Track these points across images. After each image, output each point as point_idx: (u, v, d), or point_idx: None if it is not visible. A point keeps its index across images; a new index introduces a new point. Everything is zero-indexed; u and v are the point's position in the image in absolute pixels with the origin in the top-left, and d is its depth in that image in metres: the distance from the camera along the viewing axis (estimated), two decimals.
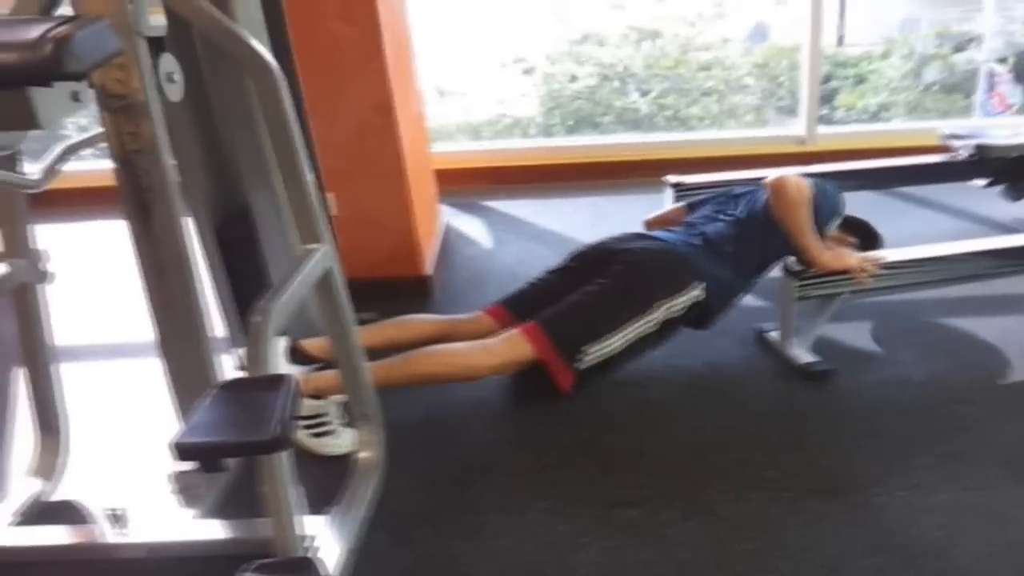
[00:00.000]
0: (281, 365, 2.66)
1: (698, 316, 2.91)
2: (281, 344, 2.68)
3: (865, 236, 3.23)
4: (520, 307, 2.93)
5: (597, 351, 2.71)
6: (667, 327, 2.83)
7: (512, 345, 2.68)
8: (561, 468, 2.50)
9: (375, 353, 2.59)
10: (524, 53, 6.26)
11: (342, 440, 2.58)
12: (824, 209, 3.03)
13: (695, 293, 2.82)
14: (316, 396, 2.55)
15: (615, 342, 2.73)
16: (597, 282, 2.81)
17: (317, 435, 2.55)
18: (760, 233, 3.01)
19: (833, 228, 3.13)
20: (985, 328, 3.19)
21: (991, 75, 6.48)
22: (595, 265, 2.92)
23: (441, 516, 2.31)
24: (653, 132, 6.16)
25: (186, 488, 2.24)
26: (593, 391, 2.85)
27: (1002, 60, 6.49)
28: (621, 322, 2.73)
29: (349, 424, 2.57)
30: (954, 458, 2.45)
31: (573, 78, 6.31)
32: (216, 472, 2.27)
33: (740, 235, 3.01)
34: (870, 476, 2.39)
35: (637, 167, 5.18)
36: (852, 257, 2.94)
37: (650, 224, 3.48)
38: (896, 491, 2.33)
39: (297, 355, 2.68)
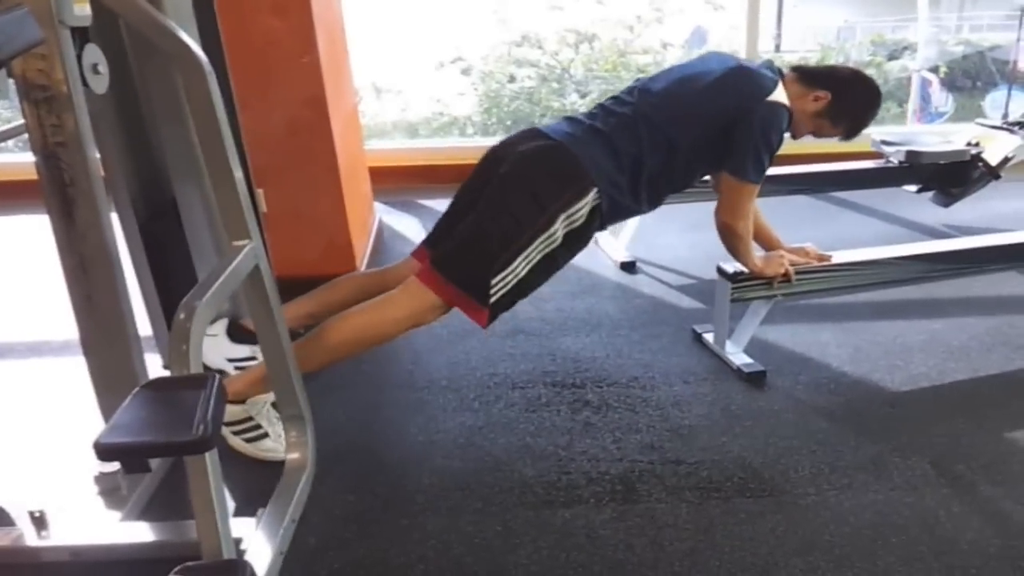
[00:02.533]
0: (224, 345, 2.61)
1: (601, 218, 2.61)
2: (221, 325, 2.63)
3: (839, 83, 2.87)
4: (437, 239, 2.73)
5: (504, 281, 2.44)
6: (573, 238, 2.56)
7: (412, 294, 2.47)
8: (493, 470, 2.48)
9: (313, 322, 2.57)
10: (462, 52, 6.24)
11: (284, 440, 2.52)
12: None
13: (592, 196, 2.51)
14: (237, 400, 2.44)
15: (520, 267, 2.45)
16: (485, 201, 2.53)
17: (250, 440, 2.49)
18: (675, 165, 2.69)
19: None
20: (914, 331, 3.24)
21: (924, 83, 6.61)
22: (490, 175, 2.62)
23: (371, 518, 2.28)
24: None
25: (109, 490, 2.19)
26: (530, 394, 2.84)
27: (934, 69, 6.63)
28: (520, 246, 2.44)
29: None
30: (883, 459, 2.48)
31: (511, 78, 6.31)
32: (140, 473, 2.22)
33: (653, 153, 2.63)
34: (802, 476, 2.41)
35: None
36: (782, 261, 2.91)
37: None
38: (827, 491, 2.35)
39: (238, 333, 2.62)
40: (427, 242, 2.77)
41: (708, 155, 2.74)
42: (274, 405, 2.52)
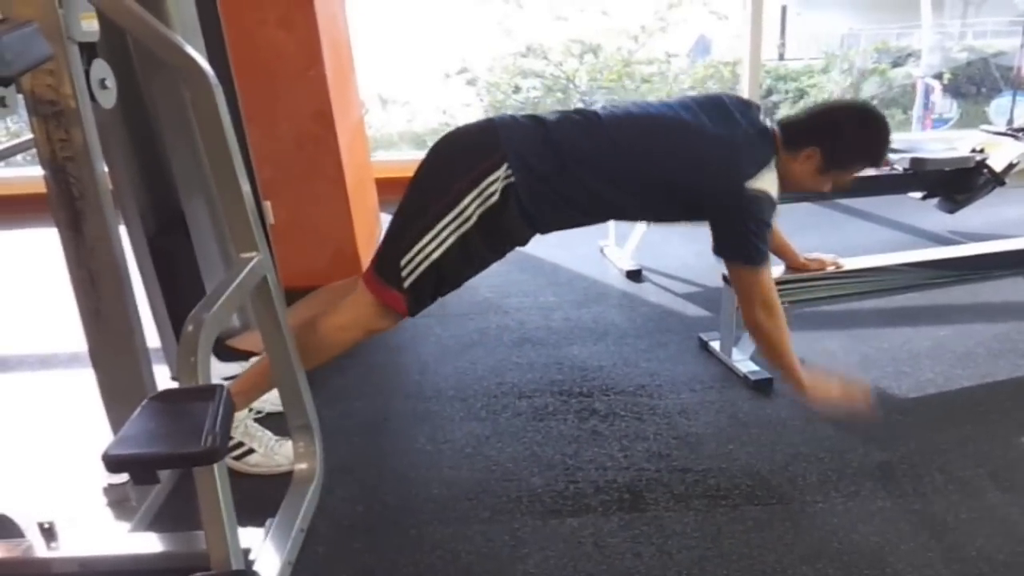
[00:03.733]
0: (217, 367, 2.61)
1: (520, 204, 2.33)
2: None
3: (824, 130, 2.51)
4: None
5: (413, 262, 2.30)
6: (490, 221, 2.30)
7: (354, 297, 2.40)
8: (501, 479, 2.49)
9: None
10: (468, 63, 6.26)
11: (274, 455, 2.54)
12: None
13: (502, 171, 2.28)
14: None
15: (429, 247, 2.29)
16: (411, 185, 2.41)
17: (236, 457, 2.50)
18: (654, 199, 2.46)
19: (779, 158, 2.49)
20: (921, 338, 3.24)
21: (928, 90, 6.61)
22: None
23: (379, 528, 2.29)
24: None
25: (118, 501, 2.20)
26: (537, 403, 2.85)
27: (938, 75, 6.63)
28: (427, 223, 2.28)
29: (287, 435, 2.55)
30: (891, 466, 2.48)
31: (516, 89, 6.33)
32: (149, 484, 2.23)
33: (595, 170, 2.38)
34: (809, 484, 2.41)
35: None
36: (837, 385, 2.51)
37: None
38: (835, 498, 2.35)
39: (225, 352, 2.60)
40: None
41: (657, 207, 2.54)
42: (262, 419, 2.60)
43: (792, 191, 2.57)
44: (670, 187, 2.41)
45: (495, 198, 2.28)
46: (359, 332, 2.42)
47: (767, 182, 2.39)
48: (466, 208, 2.27)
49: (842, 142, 2.49)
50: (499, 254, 2.45)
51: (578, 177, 2.35)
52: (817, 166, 2.50)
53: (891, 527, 2.23)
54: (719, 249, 2.47)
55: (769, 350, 2.54)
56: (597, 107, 2.51)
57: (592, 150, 2.36)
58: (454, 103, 6.27)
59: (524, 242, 2.45)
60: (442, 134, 2.49)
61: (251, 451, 2.51)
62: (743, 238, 2.40)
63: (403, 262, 2.30)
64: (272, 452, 2.53)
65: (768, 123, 2.53)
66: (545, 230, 2.46)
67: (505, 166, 2.27)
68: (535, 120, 2.40)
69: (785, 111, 6.55)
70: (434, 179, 2.36)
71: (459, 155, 2.36)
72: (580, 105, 6.27)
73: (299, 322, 2.57)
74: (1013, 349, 3.14)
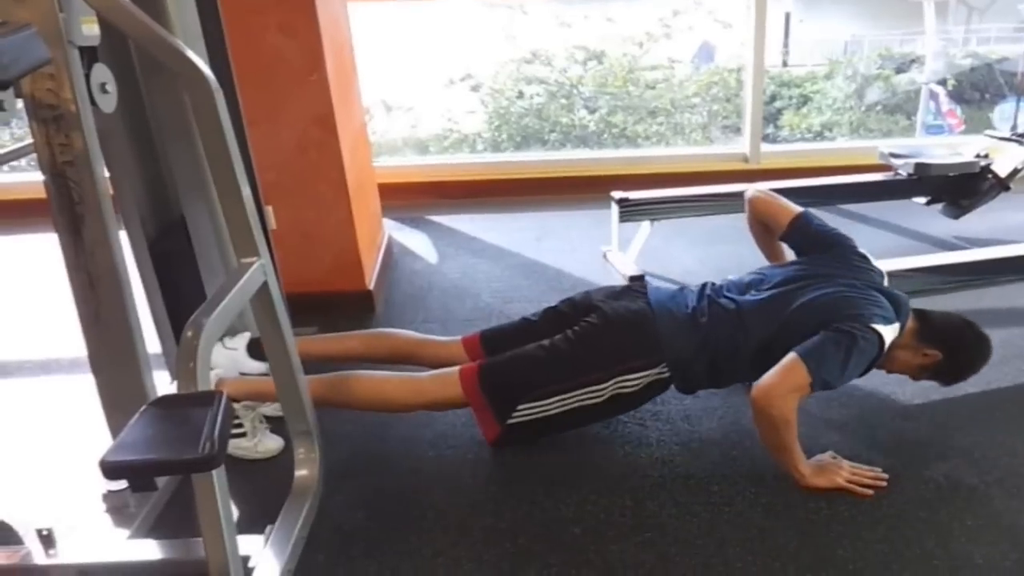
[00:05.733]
0: (241, 359, 2.64)
1: (661, 393, 2.59)
2: (242, 340, 2.66)
3: (954, 346, 2.60)
4: (495, 343, 2.72)
5: (530, 411, 2.48)
6: (616, 402, 2.51)
7: (443, 385, 2.52)
8: (503, 487, 2.48)
9: (347, 360, 2.66)
10: (472, 70, 6.26)
11: (258, 445, 2.59)
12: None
13: (656, 371, 2.50)
14: (232, 399, 2.45)
15: (552, 406, 2.47)
16: (556, 337, 2.56)
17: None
18: (752, 355, 2.52)
19: (901, 336, 2.54)
20: None
21: (932, 96, 6.61)
22: (575, 316, 2.65)
23: (380, 536, 2.27)
24: (600, 149, 6.19)
25: (117, 507, 2.19)
26: None
27: (942, 82, 6.62)
28: (564, 388, 2.47)
29: (274, 431, 2.62)
30: (896, 472, 2.46)
31: (520, 95, 6.33)
32: (147, 491, 2.22)
33: (738, 349, 2.53)
34: (817, 491, 2.39)
35: (584, 183, 5.22)
36: (840, 471, 2.43)
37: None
38: (840, 506, 2.33)
39: (258, 350, 2.63)
40: (484, 340, 2.77)
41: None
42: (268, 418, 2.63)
43: (887, 368, 2.63)
44: (798, 327, 2.46)
45: (636, 388, 2.51)
46: (423, 408, 2.61)
47: (888, 335, 2.44)
48: (604, 389, 2.49)
49: (959, 361, 2.61)
50: (609, 419, 2.70)
51: (726, 367, 2.57)
52: (932, 365, 2.59)
53: (897, 534, 2.22)
54: (803, 349, 2.35)
55: (774, 434, 2.38)
56: (733, 286, 2.70)
57: (745, 345, 2.52)
58: (458, 109, 6.27)
59: None
60: (600, 293, 2.73)
61: (243, 435, 2.57)
62: (833, 357, 2.34)
63: (521, 406, 2.49)
64: (257, 444, 2.60)
65: (904, 299, 2.61)
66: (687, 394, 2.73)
67: (662, 367, 2.50)
68: (692, 321, 2.56)
69: (789, 117, 6.54)
70: (587, 353, 2.51)
71: (619, 344, 2.53)
72: (590, 110, 6.30)
73: (355, 354, 2.77)
74: (1018, 355, 3.12)
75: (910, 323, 2.57)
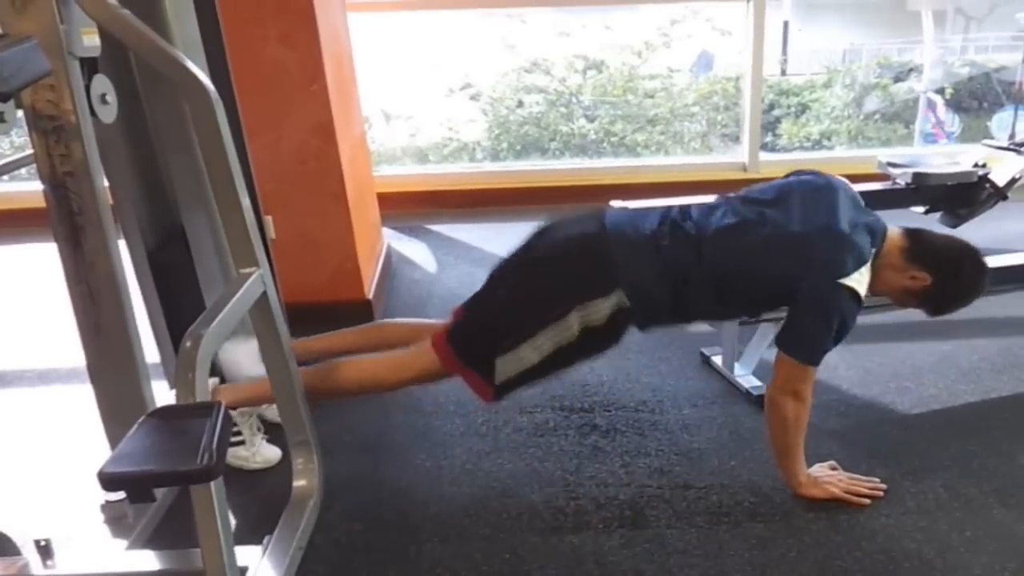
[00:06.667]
0: (254, 366, 2.58)
1: (630, 323, 2.38)
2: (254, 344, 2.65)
3: (946, 271, 2.42)
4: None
5: (508, 364, 2.33)
6: (592, 335, 2.33)
7: (420, 355, 2.43)
8: (501, 496, 2.48)
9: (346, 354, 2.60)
10: (472, 79, 6.27)
11: (256, 455, 2.60)
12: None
13: (616, 299, 2.29)
14: (230, 407, 2.44)
15: (527, 354, 2.31)
16: (511, 281, 2.45)
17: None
18: (720, 298, 2.41)
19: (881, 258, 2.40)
20: (924, 353, 3.23)
21: (930, 104, 6.61)
22: (529, 253, 2.50)
23: (378, 545, 2.28)
24: (599, 158, 6.19)
25: (116, 518, 2.18)
26: (538, 419, 2.83)
27: (940, 90, 6.63)
28: (529, 332, 2.30)
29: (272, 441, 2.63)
30: (895, 482, 2.46)
31: (520, 104, 6.33)
32: (145, 502, 2.22)
33: (701, 282, 2.37)
34: (813, 500, 2.40)
35: (583, 192, 5.22)
36: (837, 483, 2.43)
37: None
38: (838, 515, 2.34)
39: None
40: (465, 306, 2.60)
41: (759, 305, 2.55)
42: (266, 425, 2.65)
43: (878, 294, 2.45)
44: (772, 283, 2.37)
45: (601, 320, 2.30)
46: (411, 383, 2.54)
47: (859, 282, 2.29)
48: (570, 324, 2.29)
49: (949, 287, 2.43)
50: (597, 355, 2.47)
51: (688, 298, 2.37)
52: (919, 290, 2.42)
53: (895, 544, 2.22)
54: (783, 341, 2.35)
55: (782, 436, 2.39)
56: (697, 213, 2.44)
57: (704, 274, 2.35)
58: (458, 118, 6.27)
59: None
60: (553, 222, 2.50)
61: (242, 443, 2.58)
62: (815, 336, 2.31)
63: (498, 363, 2.33)
64: (255, 454, 2.61)
65: (877, 219, 2.46)
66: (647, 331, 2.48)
67: (618, 293, 2.29)
68: (651, 243, 2.37)
69: (787, 126, 6.54)
70: (541, 284, 2.38)
71: (569, 272, 2.37)
72: (589, 118, 6.30)
73: (338, 348, 2.69)
74: (1017, 364, 3.12)
75: (899, 241, 2.42)
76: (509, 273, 2.46)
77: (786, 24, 7.19)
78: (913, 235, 2.45)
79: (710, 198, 2.54)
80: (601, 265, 2.34)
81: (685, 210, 2.45)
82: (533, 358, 2.32)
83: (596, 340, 2.36)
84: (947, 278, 2.41)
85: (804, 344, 2.31)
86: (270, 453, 2.60)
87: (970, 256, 2.45)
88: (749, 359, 3.02)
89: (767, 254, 2.33)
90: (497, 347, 2.33)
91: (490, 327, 2.40)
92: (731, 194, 2.53)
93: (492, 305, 2.44)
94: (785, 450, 2.41)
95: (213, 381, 2.55)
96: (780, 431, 2.38)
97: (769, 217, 2.37)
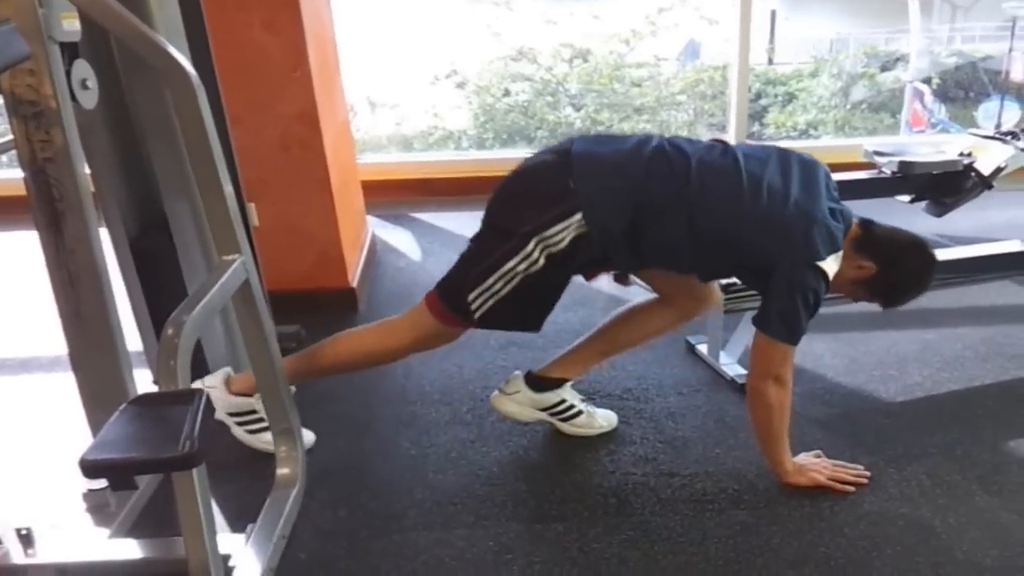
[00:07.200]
0: None
1: (590, 253, 2.30)
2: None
3: (890, 261, 2.43)
4: None
5: (481, 299, 2.33)
6: (556, 263, 2.28)
7: (413, 318, 2.49)
8: (486, 484, 2.47)
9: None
10: (458, 67, 6.25)
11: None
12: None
13: (575, 222, 2.23)
14: (246, 393, 2.47)
15: (497, 285, 2.30)
16: (483, 220, 2.44)
17: (252, 432, 2.51)
18: (721, 257, 2.38)
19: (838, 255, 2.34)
20: (908, 341, 3.23)
21: (917, 94, 6.62)
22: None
23: (362, 533, 2.27)
24: None
25: (98, 506, 2.17)
26: None
27: (927, 80, 6.64)
28: (493, 263, 2.29)
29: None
30: (879, 469, 2.47)
31: (507, 92, 6.32)
32: (127, 490, 2.21)
33: (673, 223, 2.27)
34: (798, 488, 2.40)
35: None
36: (822, 470, 2.43)
37: None
38: (822, 503, 2.34)
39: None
40: None
41: (721, 264, 2.46)
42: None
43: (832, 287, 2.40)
44: (744, 249, 2.32)
45: (563, 245, 2.25)
46: (413, 345, 2.54)
47: (831, 268, 2.28)
48: (532, 252, 2.26)
49: (894, 274, 2.43)
50: (569, 279, 2.45)
51: (648, 230, 2.28)
52: (866, 279, 2.41)
53: (878, 531, 2.22)
54: (762, 320, 2.32)
55: (766, 423, 2.39)
56: (684, 143, 2.37)
57: (673, 205, 2.27)
58: (443, 106, 6.26)
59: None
60: (521, 161, 2.48)
61: (267, 428, 2.48)
62: (792, 315, 2.27)
63: (471, 298, 2.34)
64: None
65: (847, 209, 2.42)
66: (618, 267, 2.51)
67: (578, 217, 2.23)
68: (619, 167, 2.30)
69: (774, 115, 6.55)
70: (503, 217, 2.37)
71: (530, 197, 2.34)
72: (575, 107, 6.29)
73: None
74: (1000, 352, 3.13)
75: (851, 231, 2.39)
76: (484, 216, 2.45)
77: (773, 13, 7.19)
78: (863, 225, 2.45)
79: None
80: (559, 189, 2.27)
81: (674, 140, 2.38)
82: (503, 290, 2.31)
83: (563, 269, 2.33)
84: (890, 267, 2.40)
85: (785, 323, 2.28)
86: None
87: (915, 246, 2.47)
88: (734, 347, 3.02)
89: (754, 217, 2.28)
90: (468, 284, 2.34)
91: (465, 266, 2.40)
92: (732, 142, 2.51)
93: (468, 248, 2.44)
94: (770, 438, 2.41)
95: (227, 370, 2.54)
96: (764, 419, 2.38)
97: (767, 177, 2.30)
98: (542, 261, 2.26)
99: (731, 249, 2.33)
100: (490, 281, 2.31)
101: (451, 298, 2.40)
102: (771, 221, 2.27)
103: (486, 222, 2.41)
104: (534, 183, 2.38)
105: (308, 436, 2.59)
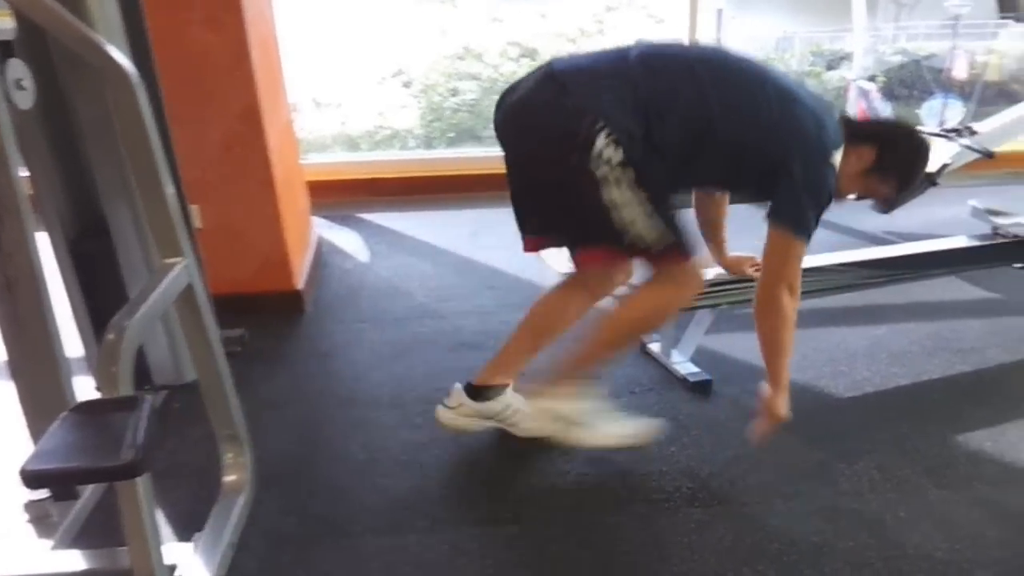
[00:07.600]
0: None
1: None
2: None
3: (887, 138, 2.48)
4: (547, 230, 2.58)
5: (637, 235, 2.25)
6: (630, 165, 2.17)
7: (677, 274, 2.39)
8: (439, 488, 2.45)
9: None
10: (404, 66, 6.21)
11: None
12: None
13: (605, 136, 2.14)
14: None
15: (628, 216, 2.22)
16: (542, 192, 2.40)
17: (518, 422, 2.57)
18: (741, 162, 2.36)
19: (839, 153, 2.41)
20: (857, 337, 3.26)
21: (863, 93, 6.68)
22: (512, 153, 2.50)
23: (312, 540, 2.23)
24: None
25: (39, 517, 2.12)
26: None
27: (872, 78, 6.71)
28: (595, 201, 2.21)
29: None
30: (830, 465, 2.48)
31: (454, 91, 6.29)
32: (68, 500, 2.16)
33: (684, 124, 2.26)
34: (749, 485, 2.41)
35: None
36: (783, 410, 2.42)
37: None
38: (774, 499, 2.35)
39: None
40: (536, 231, 2.59)
41: (729, 165, 2.38)
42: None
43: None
44: (760, 145, 2.31)
45: (619, 155, 2.16)
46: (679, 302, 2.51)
47: (838, 163, 2.37)
48: (604, 175, 2.17)
49: (894, 154, 2.46)
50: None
51: (661, 131, 2.22)
52: (865, 166, 2.44)
53: (830, 526, 2.23)
54: (776, 213, 2.30)
55: (779, 333, 2.39)
56: (692, 49, 2.45)
57: (686, 104, 2.25)
58: (389, 105, 6.22)
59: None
60: (510, 113, 2.46)
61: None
62: (804, 208, 2.28)
63: (633, 233, 2.25)
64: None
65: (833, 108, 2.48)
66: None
67: (599, 124, 2.15)
68: (620, 78, 2.27)
69: None
70: (546, 169, 2.31)
71: (551, 139, 2.26)
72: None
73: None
74: (946, 347, 3.17)
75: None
76: (536, 192, 2.44)
77: (720, 12, 7.22)
78: (845, 120, 2.48)
79: None
80: (569, 115, 2.21)
81: (656, 43, 2.47)
82: (635, 215, 2.23)
83: (644, 163, 2.20)
84: (887, 145, 2.45)
85: (803, 215, 2.28)
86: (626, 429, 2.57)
87: (896, 122, 2.62)
88: (686, 346, 3.03)
89: (769, 113, 2.28)
90: (611, 231, 2.26)
91: (579, 226, 2.39)
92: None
93: (557, 216, 2.42)
94: (781, 350, 2.40)
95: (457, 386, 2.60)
96: (777, 328, 2.38)
97: (769, 78, 2.34)
98: (618, 166, 2.16)
99: (744, 149, 2.32)
100: (622, 219, 2.23)
101: (617, 242, 2.30)
102: (785, 116, 2.29)
103: (534, 190, 2.43)
104: (547, 125, 2.28)
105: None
